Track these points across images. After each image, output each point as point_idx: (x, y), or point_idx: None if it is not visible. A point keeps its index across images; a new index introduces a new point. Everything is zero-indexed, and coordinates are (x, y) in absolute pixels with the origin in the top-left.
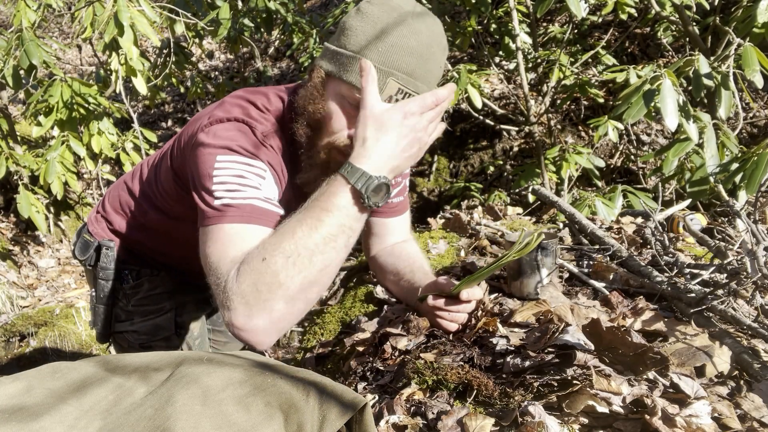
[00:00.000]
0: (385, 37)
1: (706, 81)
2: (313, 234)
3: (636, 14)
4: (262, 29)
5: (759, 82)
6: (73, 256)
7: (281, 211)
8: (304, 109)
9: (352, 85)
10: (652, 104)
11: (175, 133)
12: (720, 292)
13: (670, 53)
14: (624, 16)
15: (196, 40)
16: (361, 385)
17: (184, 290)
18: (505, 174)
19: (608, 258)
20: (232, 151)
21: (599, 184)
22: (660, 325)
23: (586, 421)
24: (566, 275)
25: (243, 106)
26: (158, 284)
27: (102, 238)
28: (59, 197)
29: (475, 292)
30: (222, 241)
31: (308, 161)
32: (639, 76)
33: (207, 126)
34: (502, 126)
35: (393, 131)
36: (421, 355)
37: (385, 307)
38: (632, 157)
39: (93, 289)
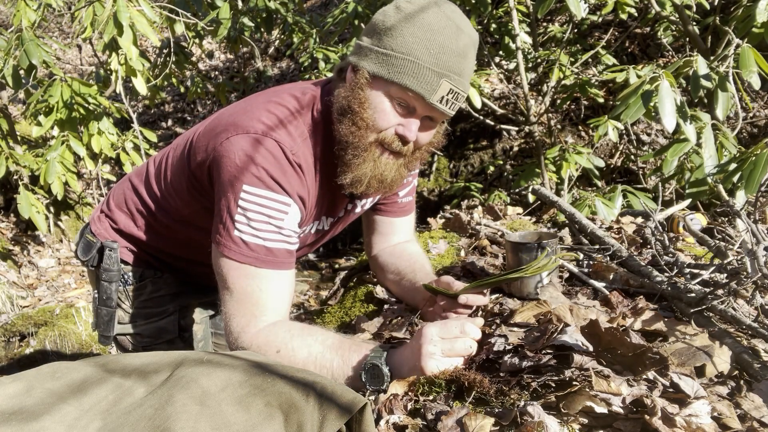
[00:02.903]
0: (435, 37)
1: (704, 81)
2: (318, 366)
3: (636, 14)
4: (262, 29)
5: (756, 83)
6: (75, 257)
7: (295, 246)
8: (349, 108)
9: (402, 87)
10: (651, 104)
11: (176, 134)
12: (720, 292)
13: (670, 53)
14: (624, 16)
15: (196, 40)
16: None
17: (188, 293)
18: (505, 174)
19: (608, 258)
20: (260, 181)
21: (599, 184)
22: (660, 325)
23: (585, 420)
24: (566, 275)
25: (273, 111)
26: (162, 286)
27: (105, 238)
28: (59, 197)
29: (478, 299)
30: (236, 285)
31: (355, 160)
32: (639, 76)
33: (234, 134)
34: (502, 126)
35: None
36: None
37: (385, 307)
38: (632, 157)
39: (95, 291)
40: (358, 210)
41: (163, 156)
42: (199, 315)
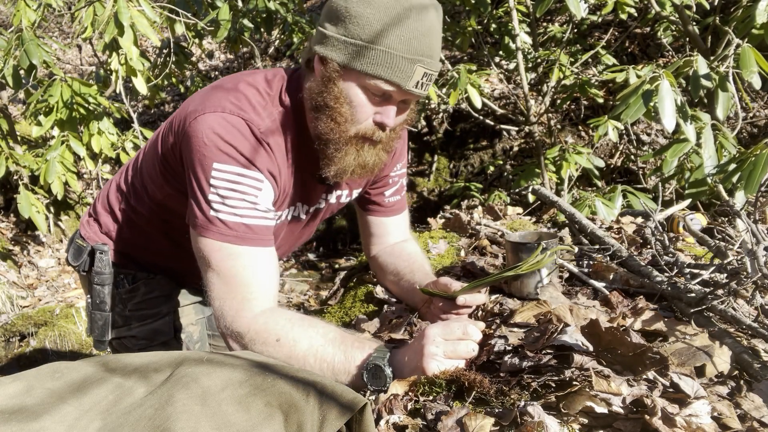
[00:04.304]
0: (403, 22)
1: (704, 81)
2: (319, 359)
3: (636, 14)
4: (262, 29)
5: (756, 83)
6: (66, 263)
7: (273, 222)
8: (324, 105)
9: (377, 77)
10: (651, 104)
11: None
12: (720, 292)
13: (670, 53)
14: (624, 16)
15: (196, 40)
16: None
17: (182, 294)
18: (505, 174)
19: (608, 258)
20: (230, 158)
21: (599, 184)
22: (660, 325)
23: (585, 420)
24: (566, 275)
25: (243, 92)
26: (155, 288)
27: (95, 242)
28: (59, 197)
29: (476, 298)
30: (221, 266)
31: (338, 153)
32: (638, 76)
33: (201, 113)
34: (502, 126)
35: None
36: None
37: (385, 307)
38: (632, 157)
39: (88, 296)
40: (333, 201)
41: (141, 149)
42: (195, 316)
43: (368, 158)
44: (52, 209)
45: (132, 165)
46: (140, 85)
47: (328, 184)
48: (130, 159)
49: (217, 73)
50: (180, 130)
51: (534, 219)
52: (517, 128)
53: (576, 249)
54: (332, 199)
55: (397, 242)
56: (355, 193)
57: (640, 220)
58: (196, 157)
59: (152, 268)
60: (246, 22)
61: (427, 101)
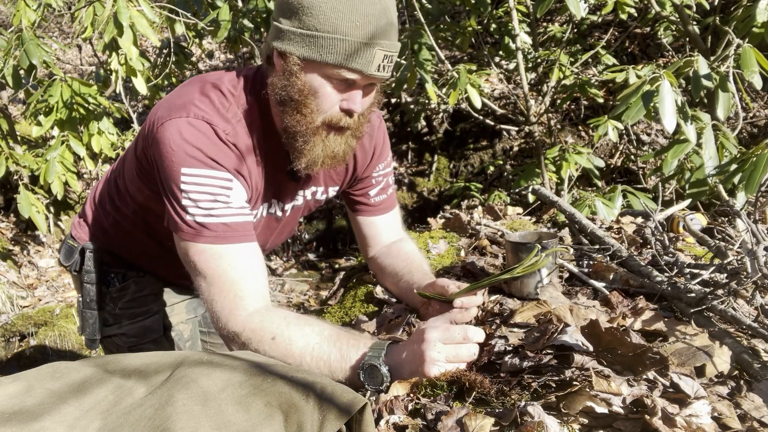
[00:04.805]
0: (356, 8)
1: (705, 82)
2: (315, 357)
3: (636, 14)
4: (262, 29)
5: (758, 83)
6: (59, 264)
7: (251, 217)
8: (289, 98)
9: (338, 66)
10: (651, 105)
11: None
12: (720, 292)
13: (670, 53)
14: (624, 16)
15: (196, 40)
16: None
17: (172, 292)
18: (505, 174)
19: (608, 258)
20: (197, 161)
21: (599, 184)
22: (660, 325)
23: (585, 421)
24: (566, 275)
25: (207, 95)
26: (145, 286)
27: (85, 241)
28: (59, 197)
29: (473, 300)
30: (207, 268)
31: (306, 146)
32: (638, 76)
33: (167, 119)
34: (502, 126)
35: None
36: None
37: (385, 307)
38: (632, 157)
39: (80, 295)
40: (309, 197)
41: (124, 152)
42: (186, 315)
43: (336, 148)
44: (52, 209)
45: (115, 167)
46: (140, 85)
47: (300, 179)
48: (115, 162)
49: None
50: (149, 136)
51: (534, 219)
52: (517, 128)
53: (572, 251)
54: (308, 195)
55: (394, 242)
56: (332, 191)
57: (640, 220)
58: (165, 163)
59: (140, 267)
60: (246, 22)
61: (427, 101)
